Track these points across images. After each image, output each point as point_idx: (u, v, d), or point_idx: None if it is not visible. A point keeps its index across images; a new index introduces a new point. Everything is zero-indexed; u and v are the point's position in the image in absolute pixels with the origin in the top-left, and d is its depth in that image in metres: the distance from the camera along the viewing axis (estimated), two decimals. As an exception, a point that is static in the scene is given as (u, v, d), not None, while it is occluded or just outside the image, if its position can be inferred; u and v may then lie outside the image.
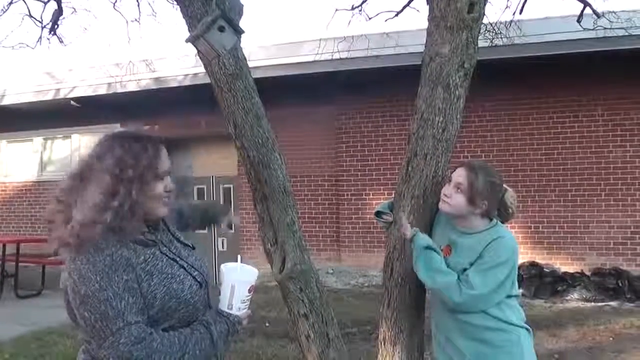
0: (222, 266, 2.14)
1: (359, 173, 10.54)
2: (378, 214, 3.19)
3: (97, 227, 1.85)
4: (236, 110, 3.39)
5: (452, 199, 2.76)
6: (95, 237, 1.85)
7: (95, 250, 1.85)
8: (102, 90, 11.16)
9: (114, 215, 1.87)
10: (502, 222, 2.88)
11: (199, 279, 2.07)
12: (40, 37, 7.18)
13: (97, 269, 1.83)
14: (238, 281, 2.09)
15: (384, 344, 3.21)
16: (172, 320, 1.96)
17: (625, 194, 9.22)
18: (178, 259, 2.06)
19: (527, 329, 2.86)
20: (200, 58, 3.35)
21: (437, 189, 2.97)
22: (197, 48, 3.27)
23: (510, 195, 2.86)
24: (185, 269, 2.05)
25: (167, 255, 2.03)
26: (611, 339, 6.75)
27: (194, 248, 2.21)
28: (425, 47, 3.12)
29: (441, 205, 2.84)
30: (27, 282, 10.96)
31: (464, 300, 2.66)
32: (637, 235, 9.16)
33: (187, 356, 1.89)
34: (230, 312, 2.06)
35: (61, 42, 7.43)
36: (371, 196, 10.25)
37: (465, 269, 2.71)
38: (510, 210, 2.86)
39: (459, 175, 2.78)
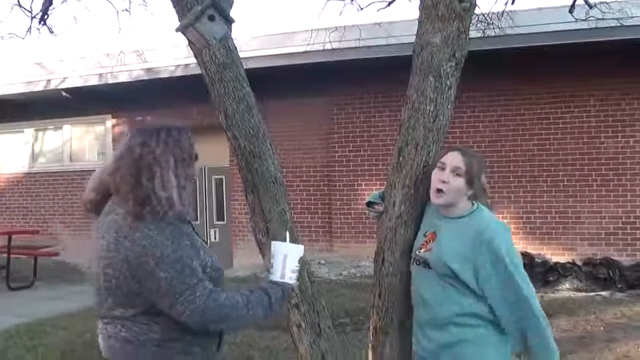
0: (273, 243, 2.39)
1: (351, 164, 10.54)
2: (369, 204, 3.18)
3: (176, 202, 2.13)
4: (227, 100, 3.38)
5: (451, 183, 2.72)
6: (177, 210, 2.12)
7: (160, 220, 2.08)
8: (94, 81, 11.12)
9: (181, 192, 2.16)
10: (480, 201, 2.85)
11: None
12: (30, 27, 7.12)
13: (166, 234, 2.07)
14: (290, 253, 2.33)
15: (376, 334, 3.21)
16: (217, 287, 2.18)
17: (616, 185, 9.25)
18: (200, 238, 2.32)
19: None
20: (190, 48, 3.34)
21: (428, 178, 2.95)
22: (187, 37, 3.26)
23: (483, 175, 2.84)
24: (205, 241, 2.35)
25: (196, 233, 2.29)
26: (602, 328, 6.78)
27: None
28: (416, 36, 3.11)
29: (436, 198, 2.77)
30: (18, 274, 10.94)
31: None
32: (629, 226, 9.20)
33: (251, 312, 2.15)
34: (284, 281, 2.29)
35: (51, 32, 7.37)
36: (363, 187, 10.26)
37: (446, 262, 2.69)
38: (486, 190, 2.85)
39: (455, 159, 2.73)
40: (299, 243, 2.55)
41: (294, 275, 2.32)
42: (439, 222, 2.84)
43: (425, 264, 2.83)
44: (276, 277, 2.30)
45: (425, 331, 2.84)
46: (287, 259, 2.32)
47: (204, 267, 2.17)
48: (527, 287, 2.61)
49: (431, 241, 2.83)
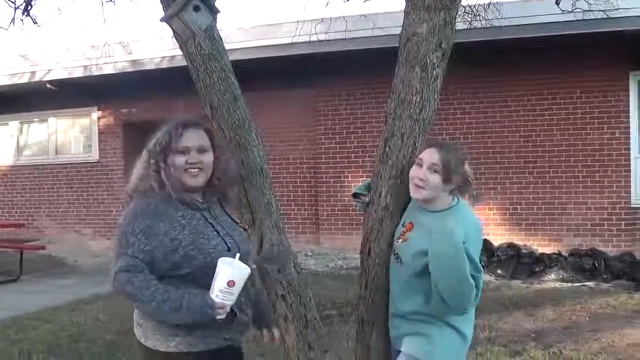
0: (220, 259, 2.36)
1: (338, 155, 10.54)
2: (355, 195, 3.18)
3: (139, 184, 2.52)
4: (212, 91, 3.36)
5: (429, 181, 2.74)
6: (140, 190, 2.50)
7: (140, 198, 2.48)
8: (78, 73, 11.04)
9: (153, 178, 2.47)
10: (463, 194, 2.86)
11: (228, 244, 2.48)
12: (14, 19, 7.03)
13: (131, 210, 2.45)
14: (219, 272, 2.32)
15: (362, 325, 3.21)
16: (192, 267, 2.39)
17: (602, 176, 9.31)
18: (215, 225, 2.53)
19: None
20: (175, 38, 3.31)
21: (415, 169, 2.96)
22: (172, 28, 3.23)
23: (467, 164, 2.85)
24: (218, 232, 2.51)
25: (206, 219, 2.51)
26: (587, 318, 6.83)
27: (244, 229, 2.69)
28: (402, 27, 3.10)
29: (416, 193, 2.79)
30: (4, 267, 10.88)
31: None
32: (614, 217, 9.26)
33: (154, 303, 2.30)
34: (210, 295, 2.32)
35: (35, 23, 7.27)
36: (350, 179, 10.26)
37: (421, 250, 2.70)
38: (470, 180, 2.84)
39: (431, 156, 2.76)
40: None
41: (222, 295, 2.31)
42: (418, 214, 2.87)
43: (398, 258, 2.87)
44: (210, 290, 2.33)
45: (392, 320, 2.96)
46: (217, 277, 2.32)
47: (176, 247, 2.38)
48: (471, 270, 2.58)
49: (408, 231, 2.85)
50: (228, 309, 2.35)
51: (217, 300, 2.31)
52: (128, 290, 2.34)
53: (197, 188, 2.55)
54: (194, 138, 2.54)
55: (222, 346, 2.52)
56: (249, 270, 2.40)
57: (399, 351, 2.91)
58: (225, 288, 2.31)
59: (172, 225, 2.41)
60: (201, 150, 2.54)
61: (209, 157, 2.56)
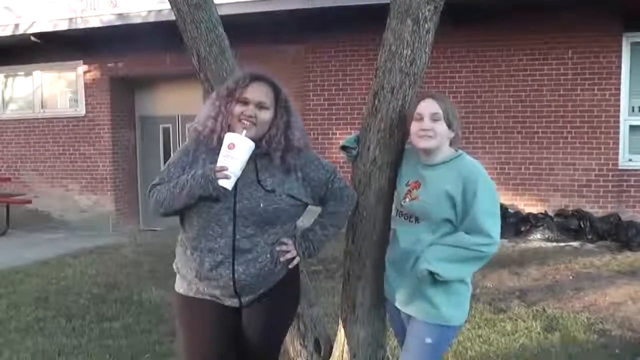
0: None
1: (326, 112, 10.47)
2: (344, 148, 3.15)
3: (199, 124, 2.71)
4: (199, 41, 3.33)
5: (435, 130, 2.71)
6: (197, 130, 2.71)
7: (191, 135, 2.75)
8: (63, 26, 10.80)
9: (210, 121, 2.65)
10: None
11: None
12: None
13: (182, 145, 2.79)
14: (227, 139, 2.49)
15: (348, 279, 3.22)
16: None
17: (590, 137, 9.30)
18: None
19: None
20: (162, -14, 3.25)
21: (403, 123, 2.93)
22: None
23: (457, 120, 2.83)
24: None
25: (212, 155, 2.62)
26: (571, 277, 6.91)
27: (270, 191, 2.62)
28: (394, -21, 3.04)
29: (423, 143, 2.75)
30: (-10, 221, 10.89)
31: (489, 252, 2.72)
32: (601, 178, 9.28)
33: (169, 193, 2.59)
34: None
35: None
36: (338, 135, 10.20)
37: (437, 208, 2.72)
38: (459, 134, 2.83)
39: (430, 106, 2.73)
40: None
41: (223, 160, 2.47)
42: (423, 172, 2.82)
43: (411, 217, 2.83)
44: None
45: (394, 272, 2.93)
46: (223, 144, 2.49)
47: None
48: (493, 221, 2.69)
49: (415, 189, 2.81)
50: (230, 176, 2.44)
51: (218, 163, 2.47)
52: (154, 197, 2.65)
53: None
54: (256, 92, 2.60)
55: (201, 297, 2.71)
56: (251, 142, 2.49)
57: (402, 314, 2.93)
58: (226, 151, 2.46)
59: (194, 164, 2.64)
60: (261, 106, 2.59)
61: (266, 115, 2.60)
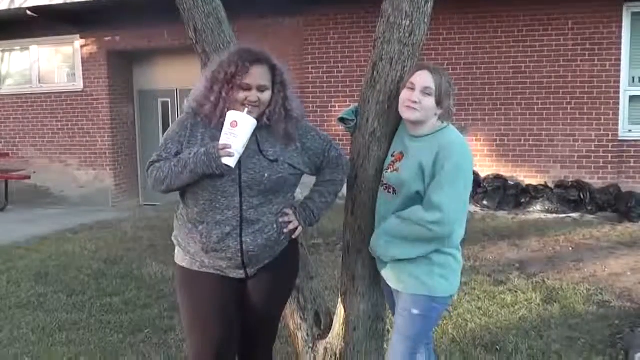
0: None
1: (325, 85, 10.41)
2: (342, 120, 3.13)
3: (195, 104, 2.70)
4: (196, 14, 3.29)
5: (422, 103, 2.70)
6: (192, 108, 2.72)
7: (183, 113, 2.77)
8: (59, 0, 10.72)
9: (210, 105, 2.63)
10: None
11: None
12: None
13: (177, 120, 2.76)
14: (228, 118, 2.51)
15: (348, 252, 3.21)
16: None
17: (590, 108, 9.27)
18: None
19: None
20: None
21: (402, 94, 2.92)
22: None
23: (451, 97, 2.81)
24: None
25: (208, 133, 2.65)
26: (570, 249, 6.92)
27: (274, 160, 2.67)
28: (393, -52, 2.99)
29: (408, 113, 2.75)
30: (-11, 197, 10.89)
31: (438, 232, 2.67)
32: (601, 149, 9.26)
33: (170, 171, 2.58)
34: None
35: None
36: (337, 108, 10.15)
37: (410, 182, 2.72)
38: (451, 112, 2.81)
39: (424, 79, 2.71)
40: None
41: (225, 137, 2.50)
42: (408, 143, 2.83)
43: (390, 188, 2.85)
44: None
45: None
46: (225, 122, 2.51)
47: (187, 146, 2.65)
48: (449, 197, 2.63)
49: (398, 161, 2.83)
50: (234, 154, 2.48)
51: (221, 141, 2.49)
52: (153, 174, 2.64)
53: None
54: (257, 76, 2.60)
55: (206, 270, 2.73)
56: (254, 120, 2.53)
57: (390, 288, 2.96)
58: (228, 129, 2.49)
59: (192, 139, 2.65)
60: (261, 89, 2.61)
61: (267, 95, 2.64)
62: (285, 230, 2.73)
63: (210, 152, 2.49)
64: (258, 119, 2.59)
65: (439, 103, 2.71)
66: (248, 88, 2.58)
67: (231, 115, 2.51)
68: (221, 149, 2.47)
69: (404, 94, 2.77)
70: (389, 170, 2.88)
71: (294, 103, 2.73)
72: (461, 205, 2.71)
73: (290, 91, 2.72)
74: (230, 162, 2.48)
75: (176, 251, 2.83)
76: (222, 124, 2.54)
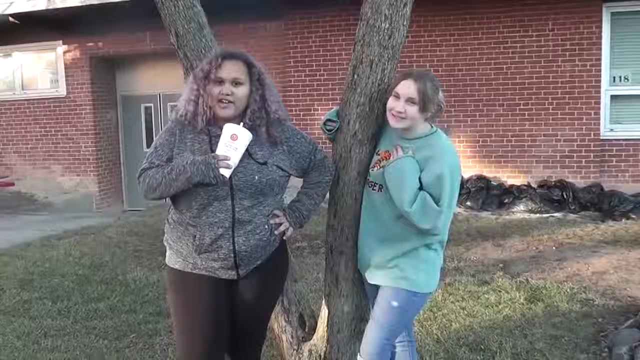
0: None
1: (307, 88, 10.42)
2: (326, 122, 3.15)
3: (181, 108, 2.74)
4: (177, 19, 3.30)
5: (407, 112, 2.75)
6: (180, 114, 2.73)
7: (174, 118, 2.77)
8: (41, 5, 10.66)
9: (191, 104, 2.69)
10: (435, 120, 2.93)
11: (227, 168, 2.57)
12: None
13: (165, 127, 2.79)
14: (224, 131, 2.56)
15: (331, 254, 3.23)
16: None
17: (572, 108, 9.34)
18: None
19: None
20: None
21: (383, 96, 2.95)
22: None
23: (441, 92, 2.84)
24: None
25: (210, 143, 2.67)
26: (554, 248, 6.96)
27: (263, 163, 2.71)
28: (371, -49, 3.02)
29: (396, 123, 2.80)
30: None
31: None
32: (583, 149, 9.34)
33: (163, 179, 2.60)
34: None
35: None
36: (319, 111, 10.17)
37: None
38: (442, 107, 2.85)
39: (409, 88, 2.75)
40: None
41: (224, 149, 2.55)
42: (400, 144, 2.86)
43: (376, 186, 2.90)
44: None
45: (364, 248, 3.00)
46: (222, 137, 2.56)
47: (176, 153, 2.69)
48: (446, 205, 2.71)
49: (385, 159, 2.86)
50: (231, 165, 2.54)
51: (220, 152, 2.55)
52: (146, 182, 2.66)
53: (228, 119, 2.67)
54: (230, 70, 2.66)
55: (198, 272, 2.75)
56: (250, 134, 2.58)
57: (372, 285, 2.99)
58: (228, 141, 2.54)
59: (181, 145, 2.69)
60: (236, 83, 2.66)
61: (242, 90, 2.68)
62: (276, 232, 2.77)
63: (209, 162, 2.54)
64: (242, 120, 2.66)
65: (423, 110, 2.76)
66: (221, 81, 2.64)
67: (230, 128, 2.55)
68: (221, 160, 2.53)
69: (390, 103, 2.81)
70: (375, 169, 2.93)
71: (273, 105, 2.76)
72: (450, 213, 2.77)
73: (269, 92, 2.75)
74: (227, 173, 2.54)
75: (167, 254, 2.85)
76: (207, 127, 2.64)
